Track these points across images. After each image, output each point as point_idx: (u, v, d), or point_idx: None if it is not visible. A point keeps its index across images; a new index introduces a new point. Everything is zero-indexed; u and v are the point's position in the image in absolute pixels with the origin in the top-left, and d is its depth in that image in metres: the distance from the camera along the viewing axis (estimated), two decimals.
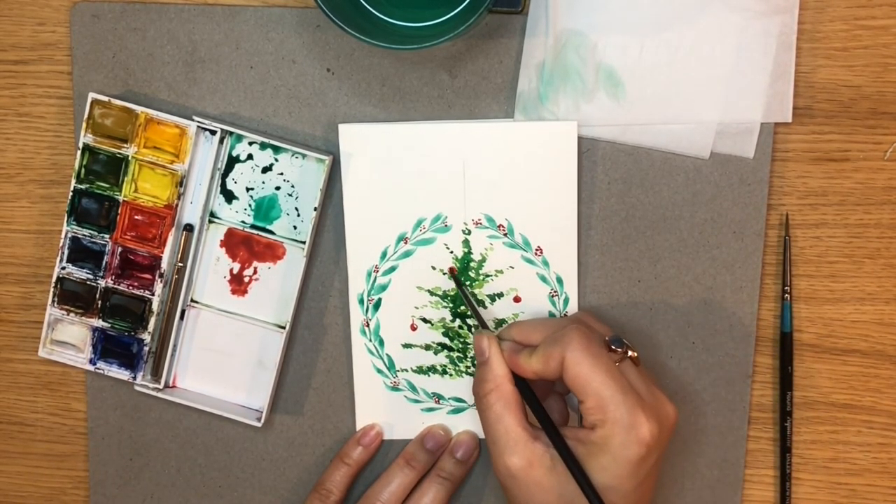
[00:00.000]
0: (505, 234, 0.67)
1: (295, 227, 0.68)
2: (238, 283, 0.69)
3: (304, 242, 0.67)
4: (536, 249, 0.67)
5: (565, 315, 0.68)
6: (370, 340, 0.69)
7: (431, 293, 0.68)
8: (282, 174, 0.67)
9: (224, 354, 0.70)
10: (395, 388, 0.70)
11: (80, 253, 0.68)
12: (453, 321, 0.69)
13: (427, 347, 0.69)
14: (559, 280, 0.68)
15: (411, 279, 0.68)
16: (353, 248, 0.68)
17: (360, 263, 0.68)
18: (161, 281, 0.68)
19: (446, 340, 0.69)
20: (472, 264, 0.68)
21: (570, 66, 0.66)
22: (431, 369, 0.69)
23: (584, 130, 0.67)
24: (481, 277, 0.68)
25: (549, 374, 0.59)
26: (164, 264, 0.68)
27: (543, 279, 0.68)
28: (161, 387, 0.69)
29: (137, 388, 0.69)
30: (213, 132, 0.67)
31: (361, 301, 0.69)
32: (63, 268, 0.68)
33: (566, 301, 0.68)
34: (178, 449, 0.71)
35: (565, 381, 0.58)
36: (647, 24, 0.66)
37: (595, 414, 0.57)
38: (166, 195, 0.67)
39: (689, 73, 0.66)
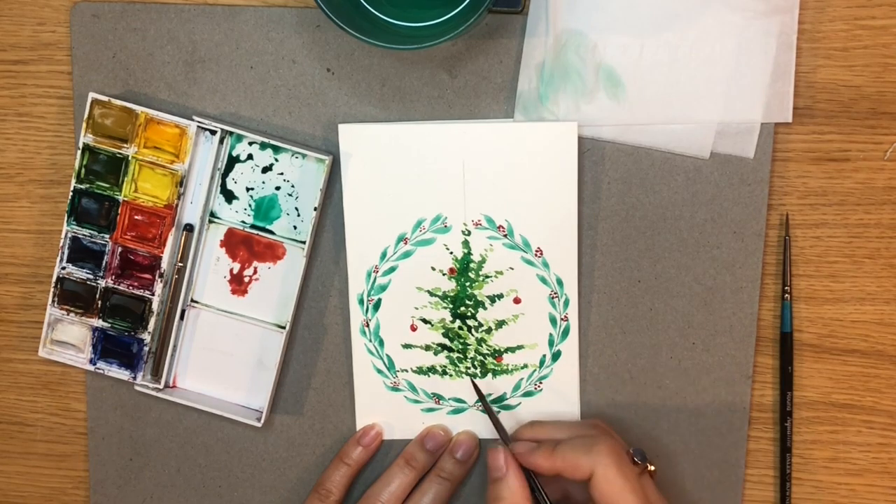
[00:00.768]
0: (505, 235, 0.67)
1: (295, 227, 0.68)
2: (238, 283, 0.69)
3: (304, 242, 0.67)
4: (536, 250, 0.67)
5: (580, 420, 0.69)
6: (370, 341, 0.69)
7: (431, 294, 0.68)
8: (282, 174, 0.67)
9: (224, 354, 0.70)
10: (394, 389, 0.70)
11: (81, 253, 0.68)
12: (453, 322, 0.69)
13: (427, 348, 0.69)
14: (559, 281, 0.68)
15: (411, 280, 0.68)
16: (353, 249, 0.68)
17: (359, 264, 0.68)
18: (161, 281, 0.68)
19: (446, 341, 0.69)
20: (471, 265, 0.68)
21: (570, 66, 0.66)
22: (431, 370, 0.69)
23: (584, 130, 0.67)
24: (481, 278, 0.68)
25: (570, 478, 0.60)
26: (165, 264, 0.68)
27: (543, 280, 0.68)
28: (161, 387, 0.69)
29: (137, 388, 0.69)
30: (213, 132, 0.67)
31: (361, 301, 0.69)
32: (63, 268, 0.68)
33: (566, 302, 0.68)
34: (178, 449, 0.71)
35: (591, 492, 0.59)
36: (647, 24, 0.66)
37: None
38: (166, 195, 0.67)
39: (689, 73, 0.66)
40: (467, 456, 0.69)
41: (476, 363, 0.69)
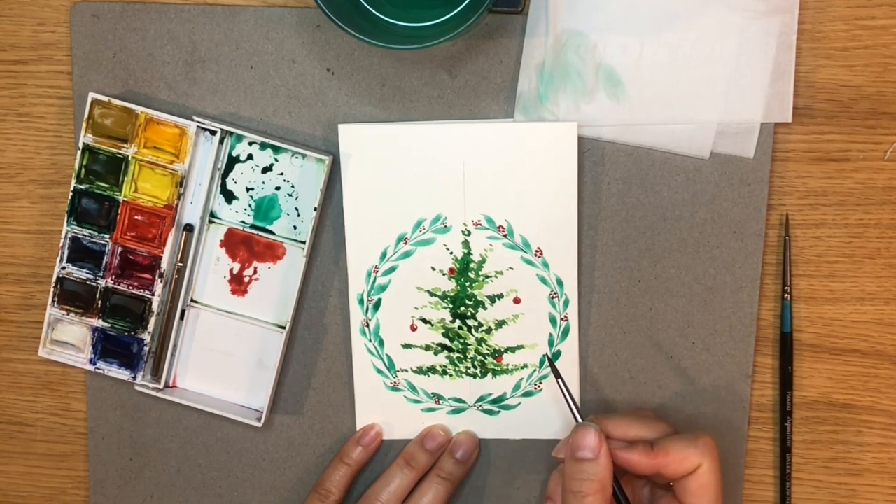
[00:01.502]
0: (504, 235, 0.67)
1: (295, 227, 0.68)
2: (238, 283, 0.69)
3: (304, 242, 0.67)
4: (536, 251, 0.67)
5: (641, 409, 0.69)
6: (370, 341, 0.69)
7: (431, 294, 0.68)
8: (282, 174, 0.67)
9: (224, 354, 0.70)
10: (394, 389, 0.70)
11: (80, 253, 0.68)
12: (453, 322, 0.69)
13: (427, 348, 0.69)
14: (559, 281, 0.68)
15: (411, 280, 0.68)
16: (353, 249, 0.68)
17: (359, 264, 0.68)
18: (161, 281, 0.68)
19: (446, 341, 0.69)
20: (471, 265, 0.68)
21: (570, 66, 0.66)
22: (431, 370, 0.69)
23: (584, 130, 0.67)
24: (481, 278, 0.68)
25: (667, 472, 0.59)
26: (165, 264, 0.68)
27: (543, 280, 0.68)
28: (161, 387, 0.69)
29: (137, 388, 0.69)
30: (213, 132, 0.67)
31: (361, 301, 0.69)
32: (63, 268, 0.68)
33: (566, 302, 0.68)
34: (178, 449, 0.71)
35: (685, 483, 0.59)
36: (647, 24, 0.66)
37: None
38: (166, 195, 0.67)
39: (689, 73, 0.66)
40: (467, 456, 0.69)
41: (476, 363, 0.69)
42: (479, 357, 0.69)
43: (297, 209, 0.68)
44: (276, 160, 0.67)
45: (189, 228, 0.68)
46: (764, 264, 0.68)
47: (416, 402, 0.70)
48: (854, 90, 0.66)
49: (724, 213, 0.67)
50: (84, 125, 0.66)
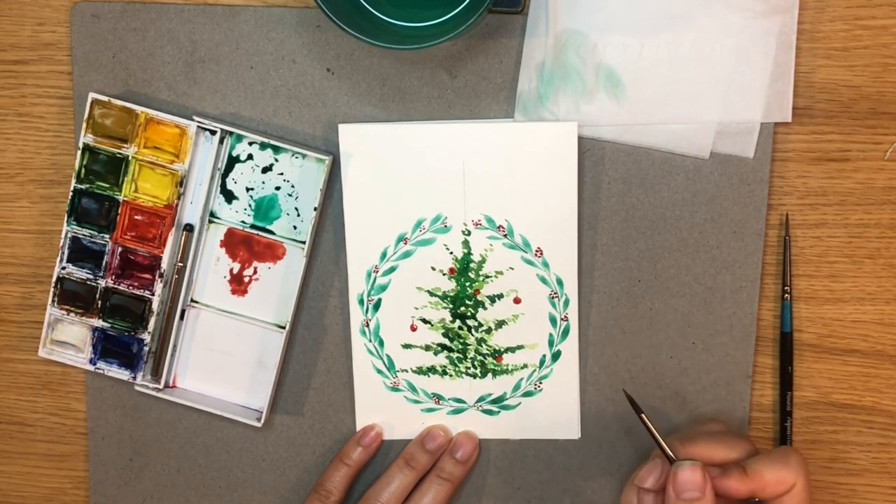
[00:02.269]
0: (505, 235, 0.67)
1: (295, 227, 0.68)
2: (238, 283, 0.69)
3: (304, 242, 0.67)
4: (536, 250, 0.67)
5: (710, 421, 0.67)
6: (370, 341, 0.69)
7: (431, 294, 0.68)
8: (282, 174, 0.67)
9: (224, 354, 0.70)
10: (394, 389, 0.70)
11: (80, 253, 0.68)
12: (453, 322, 0.69)
13: (427, 348, 0.69)
14: (559, 281, 0.68)
15: (411, 280, 0.68)
16: (353, 249, 0.68)
17: (359, 264, 0.68)
18: (161, 281, 0.68)
19: (446, 341, 0.69)
20: (471, 265, 0.68)
21: (570, 66, 0.66)
22: (431, 370, 0.69)
23: (585, 130, 0.67)
24: (481, 278, 0.68)
25: (765, 495, 0.59)
26: (165, 264, 0.68)
27: (543, 280, 0.68)
28: (161, 387, 0.69)
29: (137, 388, 0.69)
30: (213, 132, 0.67)
31: (361, 301, 0.69)
32: (63, 268, 0.68)
33: (566, 303, 0.68)
34: (178, 449, 0.71)
35: (787, 502, 0.59)
36: (647, 24, 0.66)
37: None
38: (166, 195, 0.67)
39: (689, 73, 0.66)
40: (467, 456, 0.69)
41: (476, 363, 0.69)
42: (479, 357, 0.69)
43: (297, 209, 0.68)
44: (276, 160, 0.67)
45: (189, 228, 0.68)
46: (764, 264, 0.68)
47: (416, 402, 0.70)
48: (854, 90, 0.66)
49: (724, 213, 0.67)
50: (84, 125, 0.66)
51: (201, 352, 0.70)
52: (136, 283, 0.68)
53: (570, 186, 0.67)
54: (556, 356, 0.69)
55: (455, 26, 0.60)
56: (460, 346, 0.69)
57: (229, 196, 0.68)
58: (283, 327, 0.68)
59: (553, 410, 0.69)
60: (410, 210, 0.67)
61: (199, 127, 0.66)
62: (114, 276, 0.68)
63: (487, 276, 0.68)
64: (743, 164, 0.67)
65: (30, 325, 0.72)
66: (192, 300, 0.69)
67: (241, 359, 0.70)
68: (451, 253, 0.68)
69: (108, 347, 0.69)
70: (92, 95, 0.66)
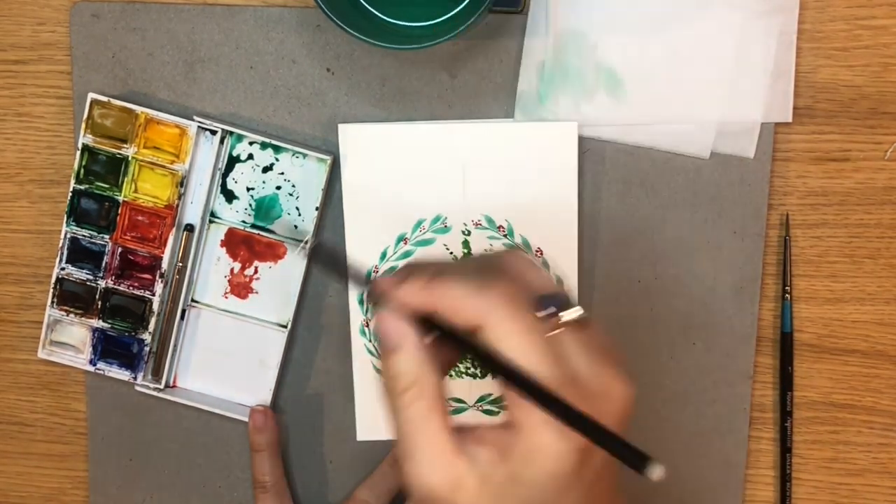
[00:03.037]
0: (505, 235, 0.67)
1: (296, 227, 0.68)
2: (239, 289, 0.69)
3: (304, 242, 0.67)
4: (537, 250, 0.67)
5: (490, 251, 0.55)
6: (370, 341, 0.69)
7: None
8: (282, 174, 0.67)
9: (225, 354, 0.70)
10: None
11: (80, 253, 0.68)
12: None
13: None
14: (559, 281, 0.68)
15: None
16: (353, 249, 0.68)
17: (359, 264, 0.68)
18: (161, 281, 0.68)
19: None
20: None
21: (570, 66, 0.66)
22: None
23: (585, 130, 0.67)
24: None
25: (453, 320, 0.46)
26: (165, 264, 0.67)
27: None
28: (162, 387, 0.69)
29: (138, 388, 0.69)
30: (213, 132, 0.67)
31: (361, 301, 0.69)
32: (62, 269, 0.68)
33: None
34: (178, 449, 0.71)
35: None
36: (647, 24, 0.66)
37: (515, 410, 0.45)
38: (167, 195, 0.67)
39: (689, 73, 0.66)
40: None
41: (476, 363, 0.69)
42: None
43: (297, 209, 0.68)
44: (277, 160, 0.67)
45: (189, 228, 0.68)
46: (764, 264, 0.68)
47: None
48: (854, 90, 0.66)
49: (724, 213, 0.67)
50: (83, 125, 0.66)
51: (202, 352, 0.70)
52: (136, 284, 0.68)
53: (571, 187, 0.67)
54: None
55: (455, 26, 0.60)
56: None
57: (230, 196, 0.68)
58: (285, 327, 0.68)
59: None
60: (410, 210, 0.67)
61: (199, 127, 0.66)
62: (114, 277, 0.68)
63: None
64: (743, 164, 0.67)
65: (29, 325, 0.72)
66: (193, 300, 0.69)
67: (242, 358, 0.70)
68: (452, 253, 0.68)
69: (108, 348, 0.69)
70: (91, 96, 0.66)
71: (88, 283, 0.68)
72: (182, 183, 0.67)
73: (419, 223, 0.68)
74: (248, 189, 0.68)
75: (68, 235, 0.68)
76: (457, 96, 0.67)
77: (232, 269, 0.69)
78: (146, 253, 0.68)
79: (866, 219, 0.68)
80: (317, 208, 0.66)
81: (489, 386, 0.69)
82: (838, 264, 0.68)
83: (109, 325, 0.68)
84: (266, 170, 0.68)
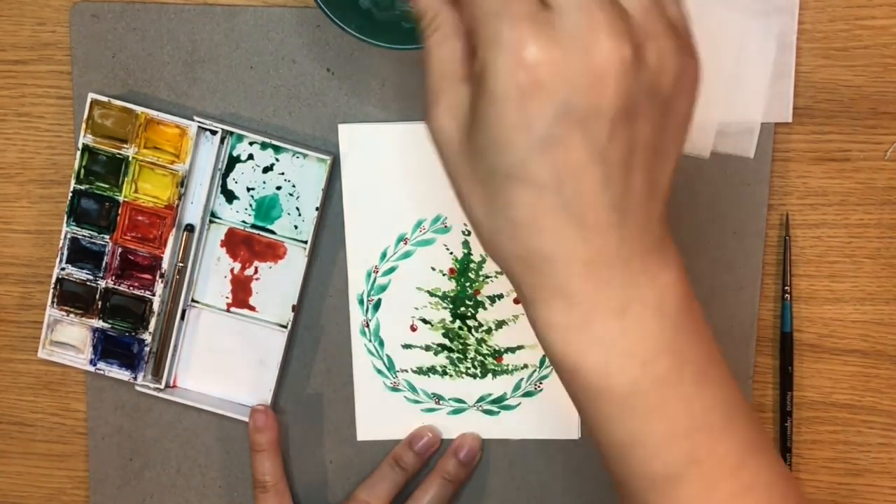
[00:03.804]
0: None
1: (296, 227, 0.68)
2: (239, 283, 0.69)
3: (305, 242, 0.67)
4: None
5: None
6: (370, 341, 0.69)
7: (431, 294, 0.68)
8: (283, 174, 0.67)
9: (225, 354, 0.70)
10: (394, 389, 0.70)
11: (80, 254, 0.68)
12: (453, 322, 0.69)
13: (427, 348, 0.69)
14: None
15: (411, 280, 0.68)
16: (353, 249, 0.68)
17: (359, 264, 0.68)
18: (162, 281, 0.68)
19: (446, 341, 0.69)
20: (471, 265, 0.68)
21: None
22: (431, 370, 0.69)
23: None
24: (481, 279, 0.68)
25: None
26: (165, 264, 0.67)
27: None
28: (162, 387, 0.69)
29: (138, 388, 0.69)
30: (213, 132, 0.67)
31: (361, 301, 0.69)
32: (62, 269, 0.68)
33: None
34: (178, 449, 0.71)
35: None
36: None
37: None
38: (167, 195, 0.67)
39: None
40: (470, 458, 0.69)
41: (476, 363, 0.69)
42: (480, 357, 0.69)
43: (297, 209, 0.68)
44: (277, 160, 0.67)
45: (190, 228, 0.68)
46: (764, 264, 0.68)
47: (417, 402, 0.70)
48: (854, 90, 0.66)
49: (724, 213, 0.67)
50: (84, 125, 0.66)
51: (202, 352, 0.70)
52: (136, 284, 0.68)
53: None
54: None
55: None
56: (460, 347, 0.69)
57: (230, 196, 0.68)
58: (285, 327, 0.68)
59: (553, 410, 0.69)
60: (410, 210, 0.67)
61: (199, 127, 0.66)
62: (114, 277, 0.68)
63: (487, 277, 0.68)
64: (743, 164, 0.67)
65: (29, 325, 0.72)
66: (193, 300, 0.69)
67: (242, 358, 0.70)
68: (451, 253, 0.68)
69: (108, 348, 0.69)
70: (91, 96, 0.66)
71: (88, 283, 0.68)
72: (182, 183, 0.67)
73: (419, 223, 0.68)
74: (249, 189, 0.68)
75: (68, 235, 0.68)
76: None
77: (232, 269, 0.69)
78: (146, 253, 0.68)
79: (866, 219, 0.68)
80: (317, 208, 0.66)
81: (489, 386, 0.69)
82: (838, 264, 0.68)
83: (110, 325, 0.68)
84: (266, 170, 0.68)
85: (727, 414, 0.46)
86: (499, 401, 0.69)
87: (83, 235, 0.68)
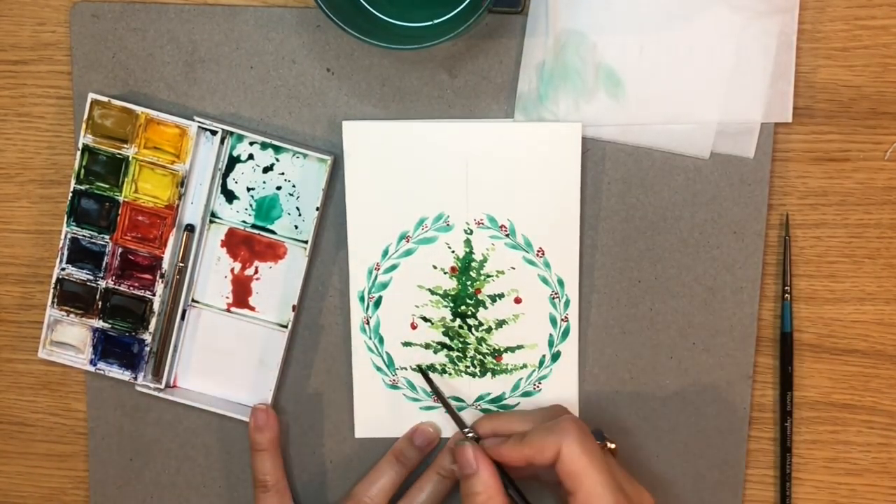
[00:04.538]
0: (507, 235, 0.67)
1: (296, 227, 0.68)
2: (239, 283, 0.69)
3: (305, 242, 0.67)
4: (538, 251, 0.67)
5: (546, 408, 0.68)
6: (370, 338, 0.69)
7: (432, 292, 0.68)
8: (283, 174, 0.67)
9: (225, 354, 0.70)
10: (394, 387, 0.70)
11: (80, 254, 0.68)
12: (453, 320, 0.69)
13: (427, 346, 0.69)
14: (560, 282, 0.68)
15: (412, 278, 0.68)
16: (355, 245, 0.68)
17: (361, 261, 0.68)
18: (162, 281, 0.68)
19: (446, 340, 0.69)
20: (473, 264, 0.68)
21: (570, 66, 0.66)
22: (431, 368, 0.69)
23: (585, 130, 0.67)
24: (482, 277, 0.68)
25: (539, 462, 0.60)
26: (166, 264, 0.67)
27: (545, 280, 0.68)
28: (162, 387, 0.69)
29: (138, 388, 0.69)
30: (213, 132, 0.67)
31: (362, 298, 0.69)
32: (63, 269, 0.68)
33: (567, 303, 0.68)
34: (178, 449, 0.71)
35: (558, 471, 0.59)
36: (647, 24, 0.66)
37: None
38: (167, 195, 0.67)
39: (689, 73, 0.66)
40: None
41: (475, 362, 0.69)
42: (479, 356, 0.69)
43: (298, 209, 0.68)
44: (277, 160, 0.67)
45: (190, 229, 0.68)
46: (764, 264, 0.68)
47: (415, 400, 0.70)
48: (854, 90, 0.66)
49: (724, 213, 0.67)
50: (84, 126, 0.66)
51: (202, 352, 0.70)
52: (136, 284, 0.68)
53: (573, 188, 0.67)
54: (555, 357, 0.69)
55: (455, 26, 0.60)
56: (460, 345, 0.69)
57: (230, 196, 0.68)
58: (285, 326, 0.68)
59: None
60: (413, 208, 0.68)
61: (199, 127, 0.66)
62: (114, 277, 0.68)
63: (489, 276, 0.68)
64: (743, 164, 0.67)
65: (30, 325, 0.72)
66: (193, 300, 0.69)
67: (243, 358, 0.70)
68: (453, 252, 0.68)
69: (108, 348, 0.69)
70: (91, 96, 0.66)
71: (89, 283, 0.68)
72: (182, 183, 0.67)
73: (421, 221, 0.68)
74: (249, 189, 0.68)
75: (69, 235, 0.68)
76: (457, 96, 0.67)
77: (232, 269, 0.69)
78: (146, 253, 0.68)
79: (866, 219, 0.68)
80: (317, 208, 0.67)
81: (488, 385, 0.69)
82: (838, 264, 0.68)
83: (110, 326, 0.68)
84: (266, 170, 0.68)
85: None
86: (497, 400, 0.69)
87: (83, 235, 0.68)
